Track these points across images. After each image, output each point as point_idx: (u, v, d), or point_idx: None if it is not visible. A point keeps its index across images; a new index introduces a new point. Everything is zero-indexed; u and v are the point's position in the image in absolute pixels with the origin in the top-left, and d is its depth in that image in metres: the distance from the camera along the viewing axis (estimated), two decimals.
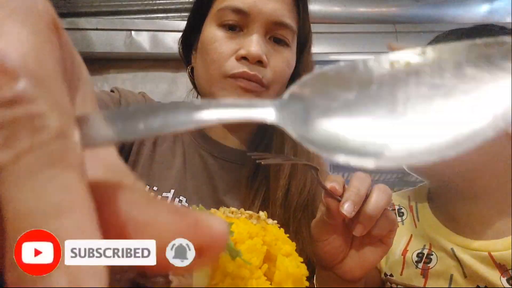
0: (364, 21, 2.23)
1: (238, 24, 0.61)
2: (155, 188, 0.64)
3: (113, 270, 0.21)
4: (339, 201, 0.44)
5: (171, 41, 2.20)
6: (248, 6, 0.60)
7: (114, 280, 0.20)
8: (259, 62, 0.60)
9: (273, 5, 0.60)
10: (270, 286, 0.36)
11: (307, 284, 0.39)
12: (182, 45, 0.74)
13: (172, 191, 0.64)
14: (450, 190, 0.70)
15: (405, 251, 0.72)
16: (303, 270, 0.39)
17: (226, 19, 0.61)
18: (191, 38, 0.71)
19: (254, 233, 0.38)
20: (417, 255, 0.70)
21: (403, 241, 0.74)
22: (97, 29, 2.20)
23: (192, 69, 0.72)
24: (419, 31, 2.23)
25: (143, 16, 2.27)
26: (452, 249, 0.66)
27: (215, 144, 0.69)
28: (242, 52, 0.59)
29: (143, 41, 2.21)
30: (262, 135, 0.71)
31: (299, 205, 0.63)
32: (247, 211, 0.43)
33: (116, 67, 2.28)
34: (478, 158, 0.65)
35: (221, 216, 0.41)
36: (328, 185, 0.44)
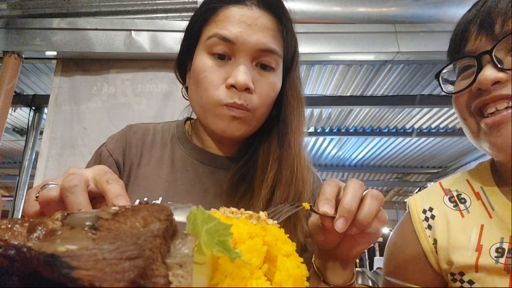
0: (364, 21, 2.23)
1: (226, 53, 0.66)
2: (145, 199, 0.68)
3: (114, 270, 0.21)
4: (333, 217, 0.49)
5: (171, 41, 2.20)
6: (235, 36, 0.64)
7: (114, 280, 0.20)
8: (247, 89, 0.65)
9: (258, 34, 0.65)
10: (270, 286, 0.36)
11: (307, 284, 0.39)
12: (177, 67, 0.79)
13: (160, 198, 0.68)
14: None
15: (479, 246, 0.61)
16: (304, 271, 0.39)
17: (215, 48, 0.66)
18: (185, 60, 0.76)
19: (254, 233, 0.38)
20: (496, 250, 0.59)
21: (474, 234, 0.62)
22: (97, 29, 2.20)
23: (186, 88, 0.77)
24: (419, 31, 2.23)
25: (143, 16, 2.27)
26: None
27: (206, 154, 0.75)
28: (231, 81, 0.64)
29: (143, 41, 2.21)
30: (249, 146, 0.75)
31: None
32: (247, 211, 0.43)
33: (116, 67, 2.28)
34: None
35: (221, 216, 0.40)
36: (321, 210, 0.49)
